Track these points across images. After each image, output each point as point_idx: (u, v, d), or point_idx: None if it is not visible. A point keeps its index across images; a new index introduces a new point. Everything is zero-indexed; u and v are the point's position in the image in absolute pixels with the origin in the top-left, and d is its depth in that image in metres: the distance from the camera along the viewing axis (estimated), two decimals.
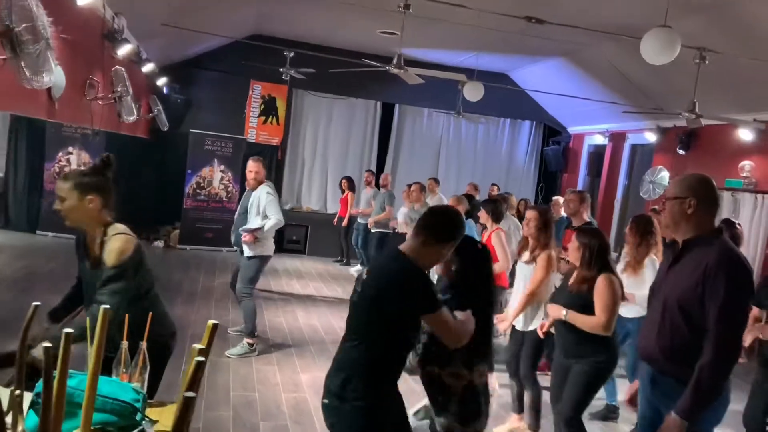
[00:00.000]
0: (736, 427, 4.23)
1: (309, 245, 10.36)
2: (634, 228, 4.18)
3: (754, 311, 3.52)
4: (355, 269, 9.30)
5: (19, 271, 7.06)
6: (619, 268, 4.31)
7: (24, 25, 2.84)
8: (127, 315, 1.91)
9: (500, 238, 4.67)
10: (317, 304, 7.08)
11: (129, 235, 2.39)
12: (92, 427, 1.46)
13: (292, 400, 4.19)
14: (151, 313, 1.98)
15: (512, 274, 4.70)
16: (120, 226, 2.40)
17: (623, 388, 3.62)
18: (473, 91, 7.85)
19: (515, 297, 3.91)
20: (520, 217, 5.90)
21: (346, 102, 10.81)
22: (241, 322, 5.18)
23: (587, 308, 3.05)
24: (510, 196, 7.37)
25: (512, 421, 4.00)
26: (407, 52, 8.64)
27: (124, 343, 1.81)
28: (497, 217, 4.79)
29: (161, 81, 8.61)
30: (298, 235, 10.35)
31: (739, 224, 4.27)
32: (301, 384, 4.51)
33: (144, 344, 1.82)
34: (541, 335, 3.42)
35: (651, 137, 8.84)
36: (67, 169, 8.52)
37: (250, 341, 5.01)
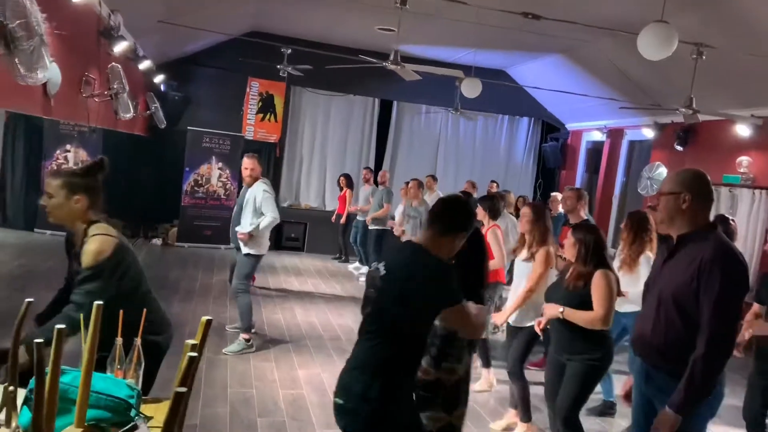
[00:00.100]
0: (732, 421, 4.25)
1: (307, 242, 10.36)
2: (628, 225, 4.19)
3: (755, 307, 3.53)
4: (353, 266, 9.31)
5: (16, 269, 7.05)
6: (615, 265, 4.32)
7: (18, 21, 2.83)
8: (122, 312, 1.91)
9: (496, 236, 4.67)
10: (315, 301, 7.09)
11: (109, 236, 2.37)
12: (86, 424, 1.46)
13: (290, 396, 4.20)
14: (134, 311, 1.96)
15: (509, 271, 4.72)
16: (102, 226, 2.38)
17: (622, 384, 3.64)
18: (471, 88, 7.85)
19: (514, 294, 3.92)
20: (519, 215, 5.90)
21: (344, 99, 10.79)
22: (238, 319, 5.19)
23: (584, 305, 3.05)
24: (508, 193, 7.38)
25: (509, 416, 4.02)
26: (405, 49, 8.65)
27: (119, 340, 1.81)
28: (494, 214, 4.80)
29: (158, 78, 8.59)
30: (296, 232, 10.35)
31: (732, 220, 4.27)
32: (299, 380, 4.52)
33: (138, 340, 1.83)
34: (538, 332, 3.43)
35: (649, 133, 8.84)
36: (64, 167, 8.51)
37: (246, 337, 5.01)
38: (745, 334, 3.47)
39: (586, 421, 4.08)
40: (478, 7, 6.16)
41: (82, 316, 1.69)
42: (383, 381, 2.09)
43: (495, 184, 9.32)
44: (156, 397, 1.98)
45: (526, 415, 3.81)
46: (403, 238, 7.68)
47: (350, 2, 7.02)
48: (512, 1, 6.17)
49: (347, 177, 9.73)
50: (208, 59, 9.80)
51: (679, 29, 4.52)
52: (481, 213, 4.92)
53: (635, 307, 3.92)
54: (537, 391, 4.01)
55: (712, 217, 2.36)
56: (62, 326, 1.27)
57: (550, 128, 11.60)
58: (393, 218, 8.40)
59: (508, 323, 3.90)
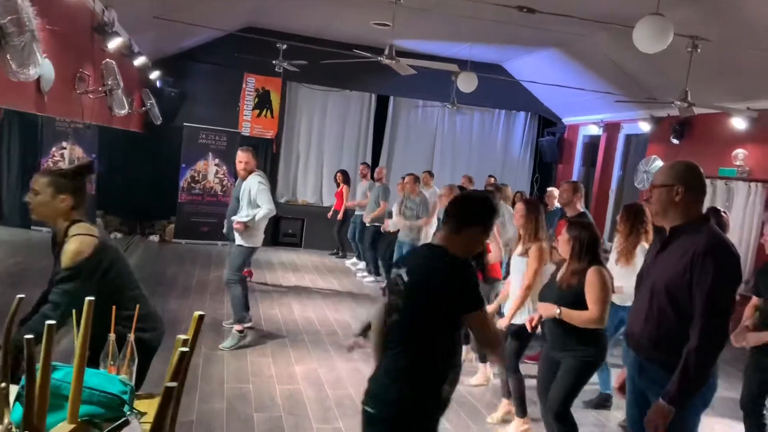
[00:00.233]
0: (726, 413, 4.28)
1: (305, 238, 10.36)
2: (624, 217, 4.19)
3: (753, 300, 3.54)
4: (351, 262, 9.31)
5: (12, 266, 7.04)
6: (612, 258, 4.33)
7: (9, 17, 2.82)
8: (114, 308, 1.92)
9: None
10: (312, 296, 7.09)
11: (89, 236, 2.37)
12: (79, 419, 1.46)
13: (287, 391, 4.20)
14: (121, 308, 1.96)
15: (508, 263, 4.72)
16: (83, 226, 2.39)
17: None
18: (466, 82, 7.83)
19: (512, 291, 3.92)
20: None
21: (341, 94, 10.77)
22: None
23: (578, 303, 3.05)
24: (505, 187, 7.37)
25: (503, 406, 4.03)
26: (401, 44, 8.62)
27: (112, 336, 1.81)
28: None
29: (154, 74, 8.56)
30: (293, 228, 10.35)
31: (724, 212, 4.28)
32: (296, 376, 4.52)
33: (131, 336, 1.83)
34: (529, 329, 3.43)
35: (645, 127, 8.84)
36: (61, 164, 8.49)
37: (239, 328, 5.01)
38: (746, 323, 3.48)
39: (583, 413, 4.12)
40: (473, 1, 6.15)
41: (74, 312, 1.69)
42: (410, 386, 2.07)
43: (493, 179, 9.32)
44: (150, 393, 1.99)
45: (521, 410, 3.81)
46: (392, 227, 7.69)
47: None
48: None
49: (344, 173, 9.72)
50: (203, 55, 9.77)
51: (674, 22, 4.52)
52: None
53: (631, 300, 3.94)
54: (533, 384, 4.02)
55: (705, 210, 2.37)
56: (52, 322, 1.27)
57: (546, 123, 11.59)
58: (390, 215, 8.40)
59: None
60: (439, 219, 7.29)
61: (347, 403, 4.05)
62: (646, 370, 2.29)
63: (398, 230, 7.44)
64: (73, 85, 5.20)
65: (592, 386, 4.37)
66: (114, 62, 5.91)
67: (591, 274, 3.04)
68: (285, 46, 8.41)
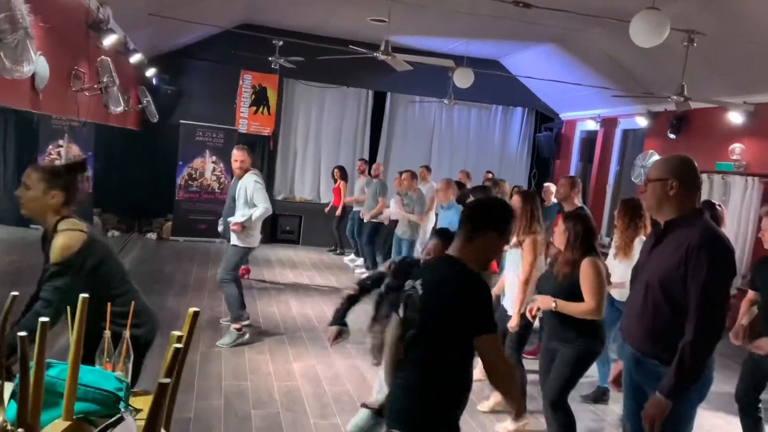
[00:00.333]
0: (722, 406, 4.29)
1: (303, 235, 10.36)
2: (622, 211, 4.20)
3: (750, 294, 3.54)
4: (349, 258, 9.32)
5: (8, 265, 7.02)
6: (611, 253, 4.34)
7: (2, 14, 2.80)
8: (109, 305, 1.91)
9: None
10: (310, 293, 7.09)
11: (78, 231, 2.37)
12: (74, 416, 1.46)
13: (284, 388, 4.21)
14: (113, 304, 1.96)
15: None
16: (72, 222, 2.38)
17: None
18: (463, 78, 7.82)
19: (510, 286, 3.93)
20: None
21: (338, 91, 10.75)
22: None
23: (575, 295, 3.06)
24: (503, 182, 7.38)
25: (496, 395, 4.03)
26: (398, 40, 8.61)
27: (107, 333, 1.81)
28: None
29: (150, 72, 8.53)
30: (291, 225, 10.34)
31: (719, 205, 4.28)
32: (294, 372, 4.53)
33: (127, 333, 1.82)
34: (530, 318, 3.44)
35: (642, 122, 8.84)
36: (57, 162, 8.47)
37: (236, 326, 5.01)
38: (743, 320, 3.49)
39: (580, 407, 4.12)
40: None
41: (69, 309, 1.69)
42: (436, 400, 2.05)
43: (491, 174, 9.32)
44: (146, 390, 1.98)
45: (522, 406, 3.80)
46: (385, 214, 7.69)
47: None
48: None
49: (341, 169, 9.71)
50: (200, 52, 9.74)
51: (670, 16, 4.52)
52: None
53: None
54: (533, 378, 4.02)
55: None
56: (45, 320, 1.27)
57: (544, 118, 11.59)
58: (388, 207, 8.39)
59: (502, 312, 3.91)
60: (436, 214, 7.31)
61: (345, 399, 4.06)
62: (643, 364, 2.30)
63: (396, 221, 7.44)
64: (69, 82, 5.19)
65: (591, 380, 4.39)
66: (109, 59, 5.89)
67: (585, 266, 3.05)
68: (281, 43, 8.39)
